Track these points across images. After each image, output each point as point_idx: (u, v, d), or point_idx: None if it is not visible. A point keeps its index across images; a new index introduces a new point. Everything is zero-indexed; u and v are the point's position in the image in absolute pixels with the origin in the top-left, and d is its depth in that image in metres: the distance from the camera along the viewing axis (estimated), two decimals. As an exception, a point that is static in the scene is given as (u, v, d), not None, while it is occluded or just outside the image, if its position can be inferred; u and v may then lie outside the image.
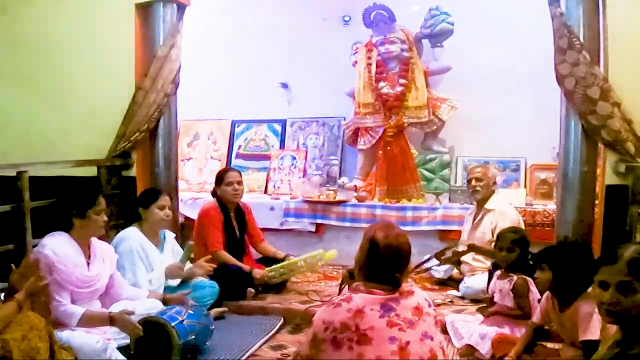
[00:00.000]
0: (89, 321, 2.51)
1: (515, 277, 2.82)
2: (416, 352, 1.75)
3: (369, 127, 4.83)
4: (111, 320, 2.51)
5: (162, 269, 3.17)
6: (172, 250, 3.37)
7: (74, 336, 2.40)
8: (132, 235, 3.19)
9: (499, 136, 4.80)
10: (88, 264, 2.64)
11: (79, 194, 2.71)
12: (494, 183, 3.77)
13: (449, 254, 3.60)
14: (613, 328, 1.67)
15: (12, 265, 2.30)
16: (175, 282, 3.23)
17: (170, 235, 3.43)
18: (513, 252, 2.87)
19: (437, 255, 3.63)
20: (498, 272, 2.97)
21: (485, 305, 3.15)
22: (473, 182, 3.71)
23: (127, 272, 3.06)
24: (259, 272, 3.65)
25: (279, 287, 3.78)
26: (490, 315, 2.89)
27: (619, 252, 1.53)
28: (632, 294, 1.48)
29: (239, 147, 5.60)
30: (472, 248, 3.53)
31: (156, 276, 3.13)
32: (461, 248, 3.61)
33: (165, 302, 2.93)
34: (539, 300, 2.64)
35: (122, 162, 3.98)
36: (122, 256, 3.06)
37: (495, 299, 2.92)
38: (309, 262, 3.72)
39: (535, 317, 2.60)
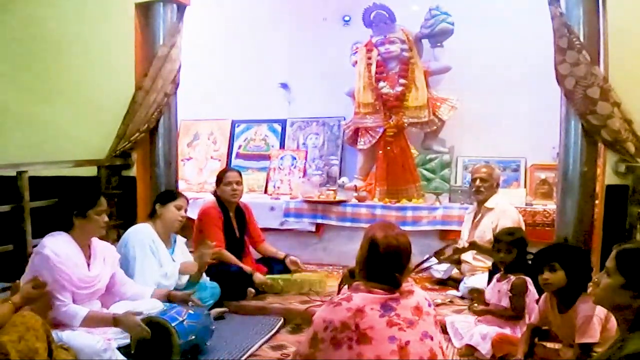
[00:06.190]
0: (92, 322, 2.50)
1: (513, 277, 2.81)
2: (416, 351, 1.75)
3: (369, 127, 4.83)
4: (115, 322, 2.50)
5: (176, 266, 3.18)
6: (181, 254, 3.35)
7: (75, 336, 2.39)
8: (144, 229, 3.19)
9: (499, 136, 4.80)
10: (88, 264, 2.63)
11: (80, 194, 2.70)
12: (497, 185, 3.76)
13: (449, 251, 3.60)
14: (613, 329, 1.67)
15: (18, 282, 2.33)
16: (182, 280, 3.23)
17: (181, 240, 3.41)
18: (510, 253, 2.86)
19: (437, 254, 3.63)
20: (498, 275, 2.96)
21: (474, 301, 3.11)
22: (477, 182, 3.69)
23: (138, 263, 3.05)
24: (259, 277, 3.65)
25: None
26: (481, 314, 2.88)
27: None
28: None
29: (239, 147, 5.59)
30: (473, 245, 3.52)
31: (171, 271, 3.13)
32: (461, 245, 3.60)
33: (169, 298, 2.92)
34: (537, 301, 2.64)
35: (122, 162, 3.99)
36: (135, 247, 3.06)
37: (490, 300, 2.91)
38: (309, 283, 3.74)
39: (534, 318, 2.59)
